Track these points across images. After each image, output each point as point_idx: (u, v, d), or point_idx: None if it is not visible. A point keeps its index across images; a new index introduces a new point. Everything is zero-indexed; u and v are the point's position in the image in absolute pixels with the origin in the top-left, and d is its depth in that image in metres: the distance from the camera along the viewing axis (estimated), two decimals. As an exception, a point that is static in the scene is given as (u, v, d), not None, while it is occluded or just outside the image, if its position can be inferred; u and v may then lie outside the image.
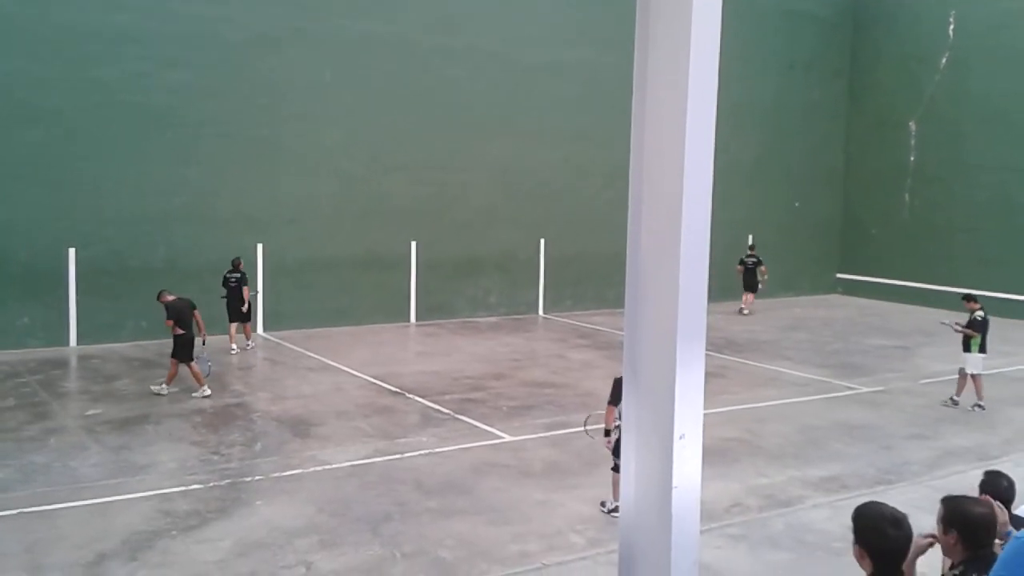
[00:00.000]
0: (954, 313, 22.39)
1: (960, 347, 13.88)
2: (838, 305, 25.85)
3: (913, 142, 26.05)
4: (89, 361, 15.45)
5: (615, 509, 8.54)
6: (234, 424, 11.93)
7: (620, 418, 8.05)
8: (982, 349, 13.61)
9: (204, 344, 13.90)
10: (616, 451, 8.38)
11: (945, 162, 25.12)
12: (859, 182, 27.68)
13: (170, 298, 13.75)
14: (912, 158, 26.11)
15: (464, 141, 20.98)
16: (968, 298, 14.10)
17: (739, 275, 23.88)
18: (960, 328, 13.73)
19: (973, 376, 13.63)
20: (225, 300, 16.82)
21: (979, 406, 13.53)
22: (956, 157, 24.81)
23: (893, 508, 4.16)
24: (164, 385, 13.37)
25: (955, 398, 13.72)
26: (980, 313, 13.71)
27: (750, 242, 24.49)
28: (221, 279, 16.89)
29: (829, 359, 17.48)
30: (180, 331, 13.41)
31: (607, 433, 8.78)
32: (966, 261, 24.17)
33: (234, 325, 16.85)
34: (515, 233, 21.92)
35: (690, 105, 4.50)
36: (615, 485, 8.55)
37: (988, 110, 24.05)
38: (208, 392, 13.28)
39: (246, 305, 16.84)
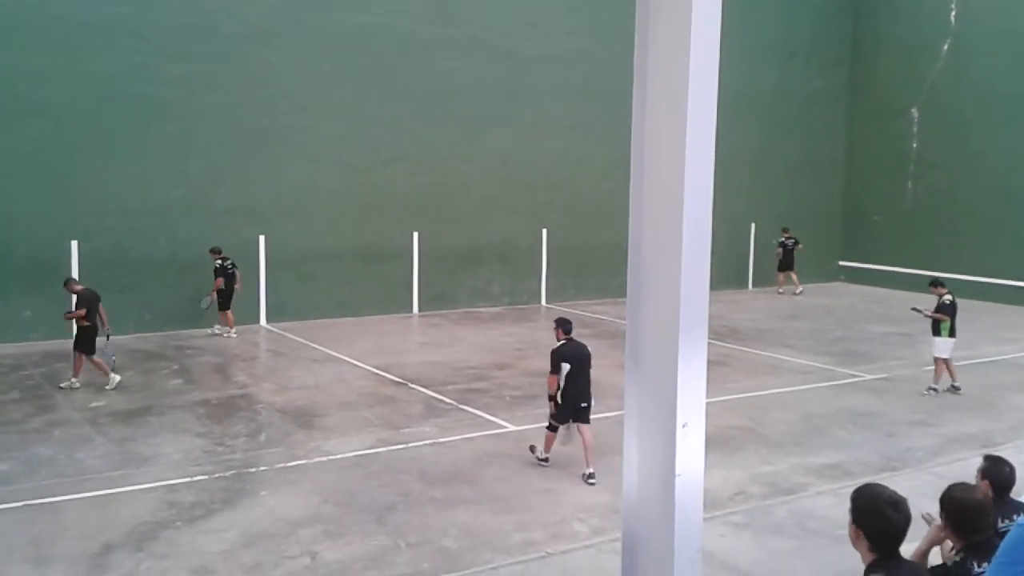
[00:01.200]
0: (965, 301, 22.45)
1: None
2: (841, 293, 25.83)
3: (915, 129, 25.99)
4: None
5: (546, 459, 10.10)
6: (238, 415, 11.96)
7: (560, 387, 9.69)
8: (951, 333, 13.62)
9: (108, 339, 13.63)
10: (554, 415, 9.87)
11: (947, 149, 25.06)
12: (861, 170, 27.62)
13: (79, 288, 13.65)
14: (914, 145, 26.06)
15: (465, 132, 20.96)
16: (935, 283, 14.18)
17: (777, 258, 24.64)
18: (929, 314, 13.76)
19: (942, 360, 13.65)
20: (222, 289, 17.33)
21: (954, 387, 13.70)
22: (958, 144, 24.75)
23: (892, 490, 4.17)
24: (73, 380, 13.21)
25: (933, 386, 13.69)
26: (948, 297, 13.74)
27: (784, 228, 25.16)
28: (215, 269, 17.30)
29: (832, 347, 17.48)
30: (87, 322, 13.25)
31: (551, 399, 9.87)
32: (969, 248, 24.15)
33: (230, 312, 17.52)
34: (517, 223, 21.91)
35: (691, 95, 4.51)
36: (548, 440, 10.05)
37: (990, 96, 23.97)
38: (118, 379, 13.22)
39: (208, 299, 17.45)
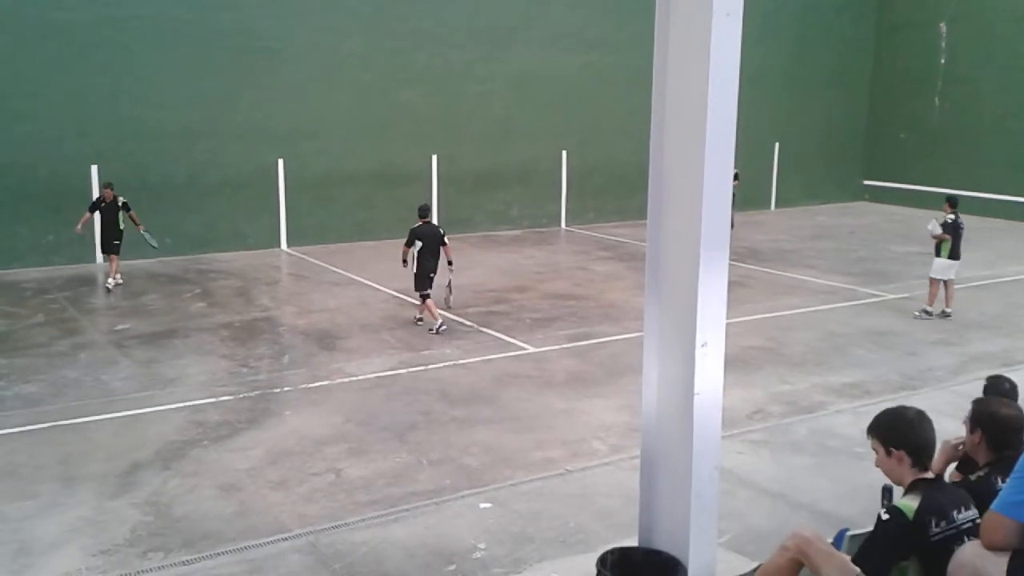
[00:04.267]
0: (991, 220, 22.13)
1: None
2: (864, 212, 25.56)
3: (943, 44, 25.34)
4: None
5: (442, 327, 12.18)
6: (261, 338, 12.08)
7: (416, 256, 12.34)
8: (952, 255, 13.22)
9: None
10: (418, 285, 12.38)
11: (976, 64, 24.45)
12: (887, 87, 27.03)
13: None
14: (942, 61, 25.44)
15: (482, 50, 20.63)
16: (948, 200, 13.62)
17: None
18: (936, 234, 13.34)
19: (937, 281, 13.26)
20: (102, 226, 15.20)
21: (944, 313, 13.25)
22: (987, 59, 24.14)
23: (908, 407, 4.18)
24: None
25: (927, 308, 13.31)
26: (951, 217, 13.29)
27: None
28: (93, 203, 15.17)
29: (854, 267, 17.36)
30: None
31: (404, 263, 12.55)
32: (996, 165, 23.75)
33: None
34: (536, 145, 21.68)
35: (715, 9, 4.39)
36: (430, 309, 12.31)
37: (1021, 9, 23.27)
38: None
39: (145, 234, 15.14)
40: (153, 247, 15.40)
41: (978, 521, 3.95)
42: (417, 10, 19.70)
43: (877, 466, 4.29)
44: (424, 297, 12.39)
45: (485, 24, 20.56)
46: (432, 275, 12.42)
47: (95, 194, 16.22)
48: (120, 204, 14.77)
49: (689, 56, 4.53)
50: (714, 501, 4.85)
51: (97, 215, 15.06)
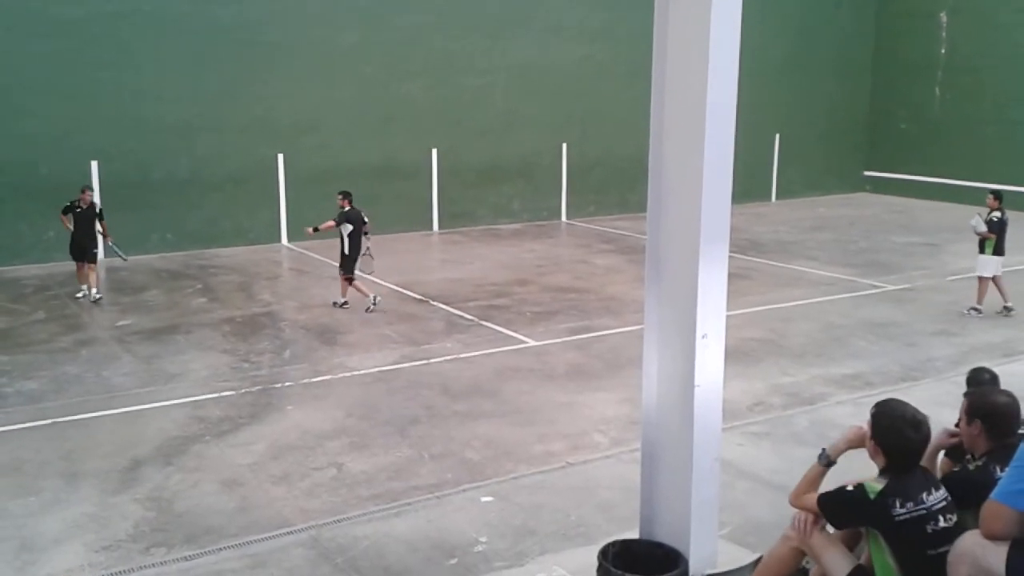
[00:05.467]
0: (974, 207, 22.03)
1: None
2: (865, 203, 25.54)
3: (944, 34, 25.26)
4: (117, 273, 15.61)
5: (375, 302, 13.02)
6: (262, 333, 12.09)
7: (349, 239, 13.04)
8: (996, 251, 12.90)
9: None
10: (345, 266, 13.12)
11: (977, 54, 24.36)
12: (888, 77, 26.95)
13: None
14: (943, 50, 25.36)
15: (482, 43, 20.59)
16: (993, 194, 13.19)
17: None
18: (981, 232, 12.95)
19: (985, 280, 12.97)
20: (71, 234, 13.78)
21: (1006, 308, 12.95)
22: (988, 49, 24.04)
23: (915, 409, 4.17)
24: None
25: (975, 306, 13.06)
26: (996, 214, 12.92)
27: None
28: (67, 206, 13.81)
29: (855, 258, 17.36)
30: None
31: (315, 230, 13.48)
32: (998, 156, 23.66)
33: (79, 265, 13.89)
34: (536, 138, 21.65)
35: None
36: (360, 289, 13.07)
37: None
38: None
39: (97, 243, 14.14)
40: (123, 259, 14.79)
41: (948, 501, 4.07)
42: (417, 3, 19.66)
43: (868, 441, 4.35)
44: (350, 280, 13.12)
45: (485, 17, 20.52)
46: (361, 255, 13.27)
47: (96, 190, 16.20)
48: (98, 211, 13.79)
49: (688, 47, 4.53)
50: (715, 493, 4.86)
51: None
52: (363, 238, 13.25)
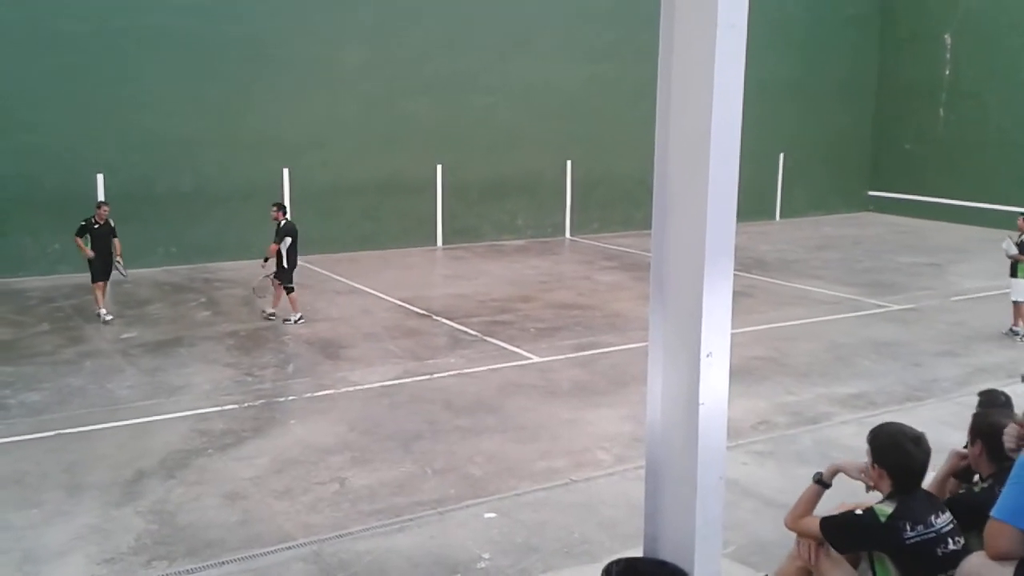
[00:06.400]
0: (996, 231, 22.05)
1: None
2: (869, 223, 25.55)
3: (948, 56, 25.33)
4: (121, 286, 15.61)
5: (272, 315, 13.40)
6: (266, 347, 12.10)
7: (287, 252, 13.28)
8: None
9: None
10: (282, 275, 13.33)
11: (981, 76, 24.44)
12: (892, 98, 27.01)
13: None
14: (947, 72, 25.43)
15: (488, 61, 20.68)
16: (1023, 217, 13.00)
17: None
18: (1012, 255, 12.75)
19: (1017, 304, 12.78)
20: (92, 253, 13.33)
21: None
22: (992, 71, 24.11)
23: (910, 427, 4.18)
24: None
25: (1015, 328, 12.84)
26: None
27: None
28: (83, 225, 13.37)
29: (859, 277, 17.35)
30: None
31: (266, 259, 13.52)
32: (1001, 177, 23.69)
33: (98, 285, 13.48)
34: (541, 155, 21.70)
35: (720, 19, 4.40)
36: (293, 301, 13.35)
37: (1027, 21, 23.31)
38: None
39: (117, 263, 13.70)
40: (123, 276, 14.06)
41: (955, 524, 4.05)
42: (423, 21, 19.77)
43: (860, 474, 4.34)
44: (290, 290, 13.36)
45: (491, 36, 20.62)
46: (295, 268, 13.56)
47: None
48: (112, 227, 13.46)
49: (693, 67, 4.54)
50: (719, 511, 4.84)
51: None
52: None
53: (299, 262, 13.81)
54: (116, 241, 13.50)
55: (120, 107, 16.98)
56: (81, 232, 13.28)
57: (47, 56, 16.27)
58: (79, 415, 9.35)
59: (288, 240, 13.32)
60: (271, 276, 13.53)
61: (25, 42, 16.11)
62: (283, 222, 13.44)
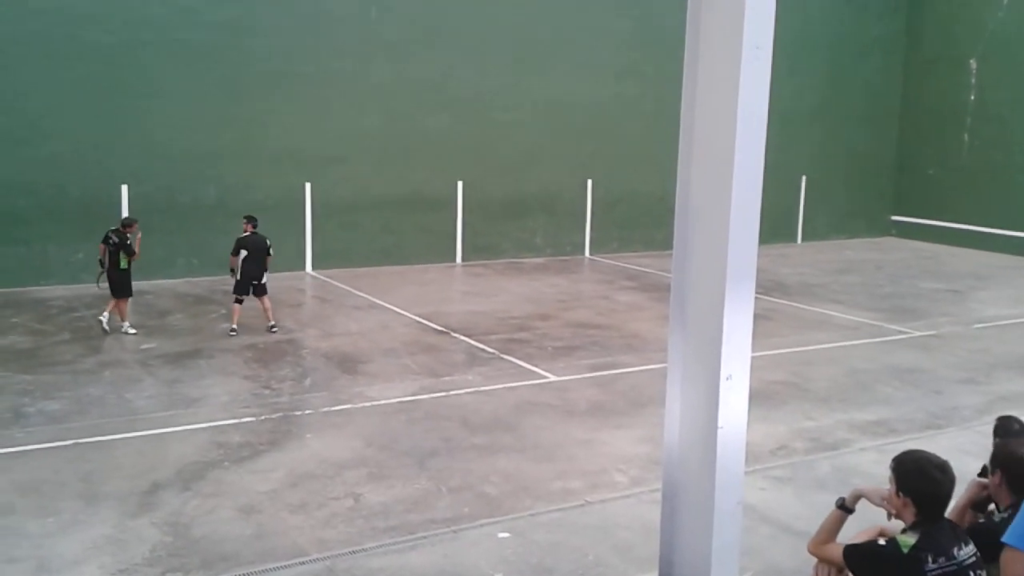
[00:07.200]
0: (1020, 258, 21.85)
1: None
2: (892, 248, 25.38)
3: (973, 81, 25.20)
4: (142, 296, 15.71)
5: (234, 331, 13.29)
6: (284, 360, 12.13)
7: (239, 267, 13.24)
8: None
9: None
10: (236, 289, 13.35)
11: (1006, 102, 24.28)
12: (916, 122, 26.87)
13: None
14: (972, 97, 25.28)
15: (511, 78, 20.75)
16: None
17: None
18: None
19: None
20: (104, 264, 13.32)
21: None
22: (1018, 97, 23.95)
23: (934, 454, 4.12)
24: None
25: None
26: None
27: None
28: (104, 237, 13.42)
29: (881, 303, 17.22)
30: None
31: (232, 272, 13.43)
32: (1025, 204, 23.53)
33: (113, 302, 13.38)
34: (562, 173, 21.73)
35: (745, 40, 4.39)
36: (234, 312, 13.37)
37: (1054, 48, 23.17)
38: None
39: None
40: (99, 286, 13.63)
41: (978, 556, 3.98)
42: (446, 39, 19.88)
43: (882, 501, 4.28)
44: (239, 301, 13.37)
45: (514, 54, 20.70)
46: (255, 282, 13.35)
47: (124, 213, 16.35)
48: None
49: (718, 89, 4.53)
50: (736, 537, 4.80)
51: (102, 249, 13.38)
52: (263, 269, 13.42)
53: (315, 275, 13.78)
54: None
55: (146, 119, 17.15)
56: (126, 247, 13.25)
57: (75, 67, 16.47)
58: (98, 424, 9.39)
59: (244, 252, 13.28)
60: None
61: (54, 53, 16.31)
62: (245, 235, 13.47)
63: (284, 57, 18.26)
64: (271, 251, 13.56)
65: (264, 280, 13.46)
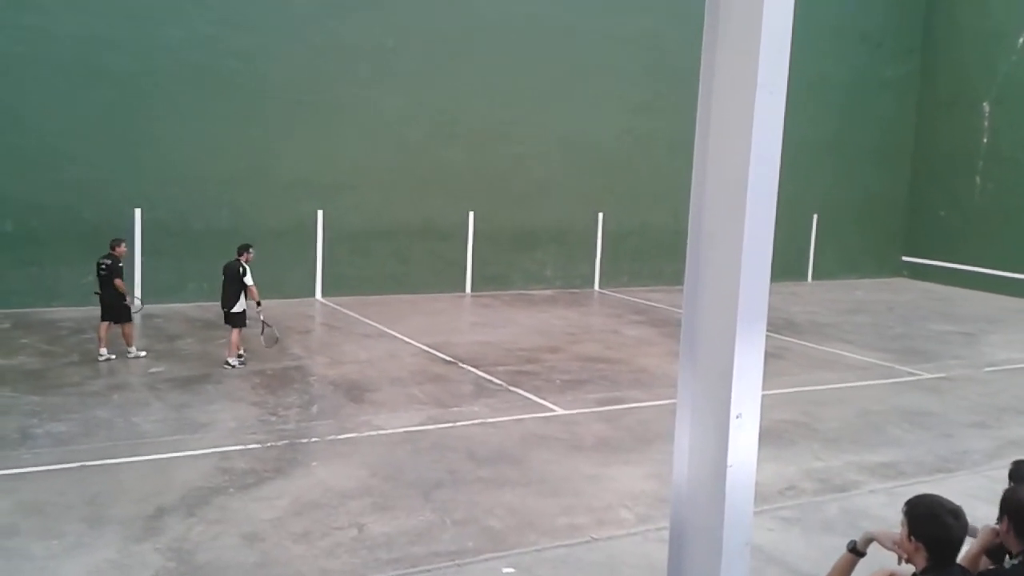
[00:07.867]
0: (1013, 299, 21.73)
1: None
2: (903, 289, 25.31)
3: (986, 123, 25.25)
4: (152, 320, 15.78)
5: (240, 361, 13.05)
6: (292, 387, 12.12)
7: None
8: None
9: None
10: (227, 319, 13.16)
11: (1019, 145, 24.30)
12: (928, 164, 26.91)
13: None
14: (985, 140, 25.32)
15: (525, 111, 20.88)
16: None
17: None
18: None
19: None
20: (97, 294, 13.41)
21: None
22: (1032, 140, 24.01)
23: (947, 499, 4.08)
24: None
25: None
26: None
27: None
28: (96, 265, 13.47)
29: (891, 344, 17.14)
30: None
31: (258, 304, 13.32)
32: (1038, 248, 23.48)
33: (104, 325, 13.30)
34: (573, 206, 21.81)
35: (760, 80, 4.41)
36: (233, 345, 13.14)
37: (1067, 92, 23.22)
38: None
39: (129, 299, 13.59)
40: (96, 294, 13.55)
41: None
42: (460, 70, 20.04)
43: (894, 545, 4.22)
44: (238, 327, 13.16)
45: (527, 86, 20.84)
46: (223, 309, 13.17)
47: (137, 238, 16.45)
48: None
49: (731, 130, 4.55)
50: (743, 578, 4.74)
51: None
52: (239, 291, 13.15)
53: (324, 302, 13.76)
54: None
55: (161, 143, 17.30)
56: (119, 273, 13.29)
57: (92, 91, 16.65)
58: (104, 447, 9.38)
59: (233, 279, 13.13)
60: (265, 321, 13.54)
61: (73, 77, 16.51)
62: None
63: (299, 85, 18.43)
64: (247, 280, 13.17)
65: (233, 309, 13.10)
